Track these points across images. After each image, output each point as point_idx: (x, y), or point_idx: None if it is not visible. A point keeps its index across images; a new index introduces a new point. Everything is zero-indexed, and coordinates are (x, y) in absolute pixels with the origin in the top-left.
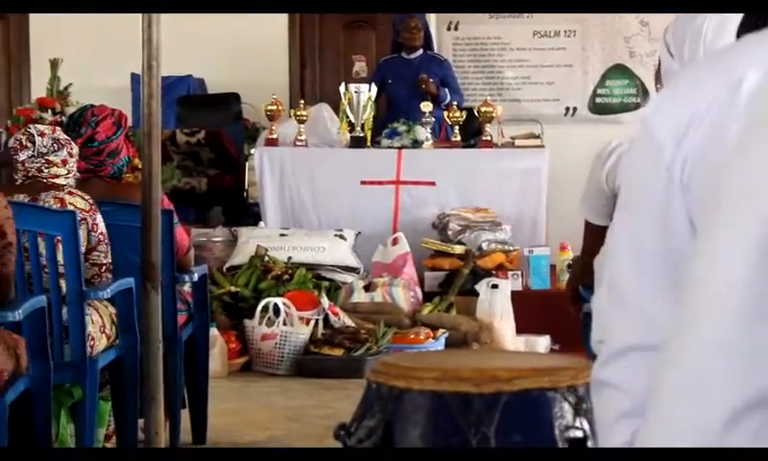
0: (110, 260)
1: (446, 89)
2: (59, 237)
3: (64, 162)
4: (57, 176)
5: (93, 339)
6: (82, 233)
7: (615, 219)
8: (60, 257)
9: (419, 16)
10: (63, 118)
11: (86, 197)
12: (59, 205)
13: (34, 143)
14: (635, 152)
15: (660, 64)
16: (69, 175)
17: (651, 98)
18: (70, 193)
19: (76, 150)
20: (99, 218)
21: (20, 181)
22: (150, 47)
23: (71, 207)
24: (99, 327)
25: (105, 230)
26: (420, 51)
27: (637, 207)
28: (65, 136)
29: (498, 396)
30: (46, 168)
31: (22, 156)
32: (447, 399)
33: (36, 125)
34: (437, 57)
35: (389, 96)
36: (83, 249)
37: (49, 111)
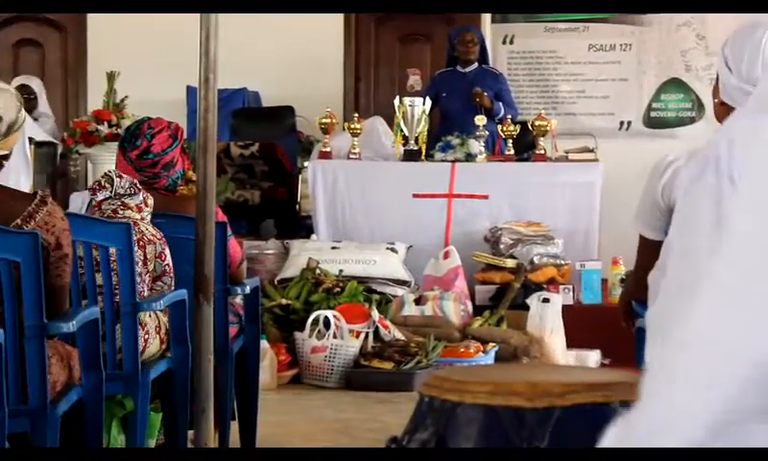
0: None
1: (500, 103)
2: (114, 249)
3: (139, 209)
4: (131, 218)
5: (148, 334)
6: (149, 255)
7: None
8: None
9: (474, 30)
10: (119, 131)
11: (157, 231)
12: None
13: (112, 184)
14: None
15: (717, 79)
16: (144, 221)
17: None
18: (143, 220)
19: (151, 201)
20: (168, 251)
21: None
22: (207, 60)
23: (141, 231)
24: (155, 326)
25: (171, 264)
26: (475, 64)
27: None
28: (142, 190)
29: (551, 410)
30: (122, 210)
31: (100, 196)
32: (500, 412)
33: (117, 170)
34: (491, 70)
35: (442, 109)
36: (149, 273)
37: (105, 124)
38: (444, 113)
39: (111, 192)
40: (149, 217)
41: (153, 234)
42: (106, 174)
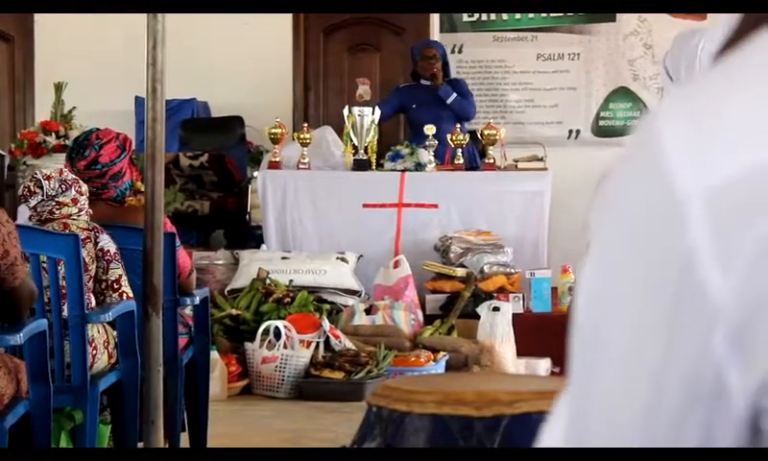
0: (115, 278)
1: (455, 94)
2: (61, 260)
3: (74, 201)
4: (69, 215)
5: (96, 349)
6: (87, 258)
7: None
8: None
9: (436, 45)
10: (67, 142)
11: (88, 222)
12: (62, 227)
13: (42, 187)
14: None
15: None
16: (81, 212)
17: (668, 125)
18: (80, 211)
19: (85, 188)
20: (102, 237)
21: (34, 223)
22: (154, 70)
23: (75, 228)
24: (103, 340)
25: (108, 248)
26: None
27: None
28: (72, 176)
29: (499, 419)
30: (57, 209)
31: (33, 201)
32: (448, 421)
33: (42, 169)
34: (452, 79)
35: (413, 122)
36: (92, 268)
37: (53, 135)
38: (415, 125)
39: (43, 195)
40: (86, 204)
41: (84, 228)
42: (33, 177)
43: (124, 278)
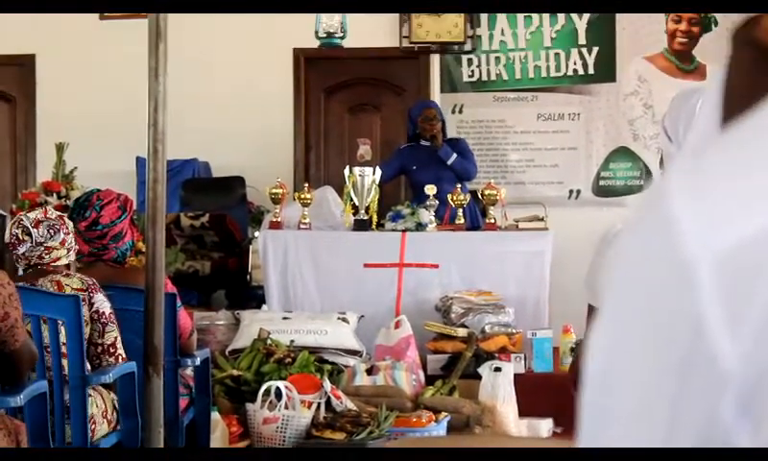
0: (111, 342)
1: (455, 154)
2: (61, 321)
3: (63, 243)
4: (59, 258)
5: (95, 423)
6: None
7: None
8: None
9: (435, 106)
10: (68, 202)
11: (84, 277)
12: (56, 288)
13: (30, 235)
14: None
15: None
16: (70, 252)
17: (677, 192)
18: (67, 275)
19: (70, 225)
20: (97, 297)
21: (22, 269)
22: (155, 131)
23: (69, 290)
24: (101, 412)
25: (103, 310)
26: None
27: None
28: (57, 214)
29: None
30: (47, 254)
31: (21, 249)
32: None
33: (28, 214)
34: (452, 138)
35: (414, 182)
36: (87, 330)
37: (54, 195)
38: (415, 186)
39: (32, 242)
40: (73, 242)
41: (78, 288)
42: (20, 224)
43: (119, 340)
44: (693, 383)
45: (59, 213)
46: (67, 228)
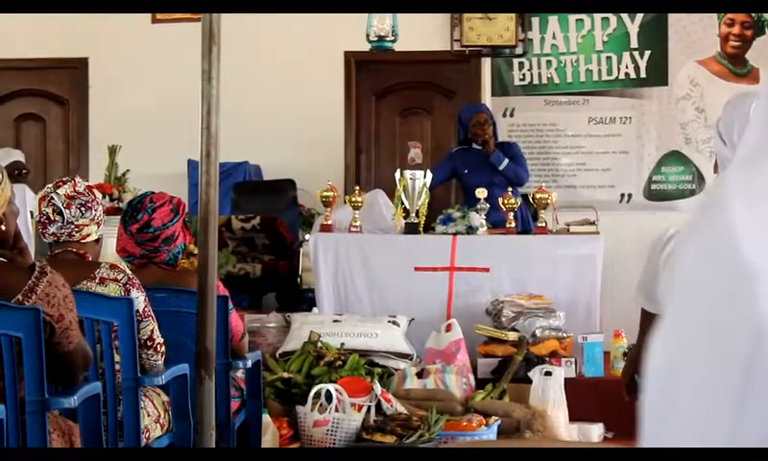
0: (147, 336)
1: (507, 160)
2: (115, 324)
3: (93, 219)
4: (88, 234)
5: (148, 431)
6: None
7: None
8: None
9: (485, 110)
10: (120, 204)
11: (122, 272)
12: (98, 282)
13: (62, 214)
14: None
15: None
16: (100, 227)
17: (736, 199)
18: (113, 267)
19: (99, 196)
20: (133, 293)
21: (50, 244)
22: (209, 135)
23: (111, 291)
24: (154, 418)
25: (137, 306)
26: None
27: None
28: (86, 184)
29: None
30: (77, 231)
31: (52, 228)
32: None
33: (58, 191)
34: (504, 141)
35: (465, 186)
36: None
37: (106, 198)
38: (467, 189)
39: (63, 222)
40: (102, 217)
41: (115, 279)
42: (50, 201)
43: (156, 331)
44: (755, 391)
45: (87, 184)
46: (97, 201)
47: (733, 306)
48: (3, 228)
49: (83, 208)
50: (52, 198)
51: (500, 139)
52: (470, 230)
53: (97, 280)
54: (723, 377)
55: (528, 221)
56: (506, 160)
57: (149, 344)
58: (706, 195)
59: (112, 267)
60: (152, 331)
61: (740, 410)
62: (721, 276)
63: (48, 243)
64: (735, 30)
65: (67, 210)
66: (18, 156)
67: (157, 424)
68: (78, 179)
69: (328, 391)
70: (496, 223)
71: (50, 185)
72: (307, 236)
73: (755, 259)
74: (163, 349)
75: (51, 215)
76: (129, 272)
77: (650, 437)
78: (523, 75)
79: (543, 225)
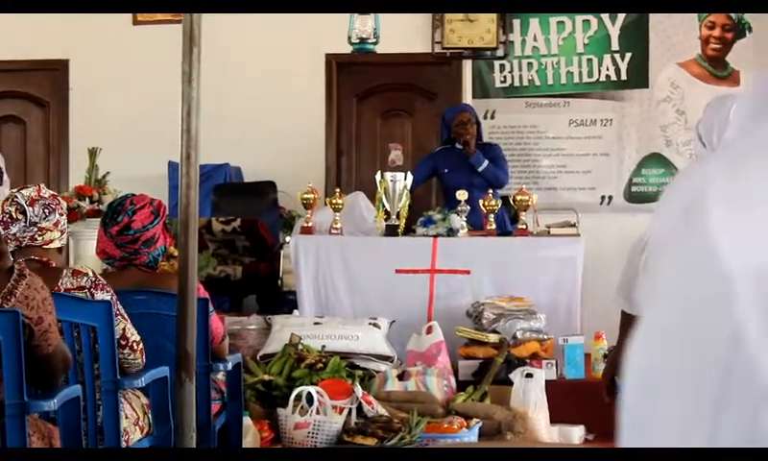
0: (119, 335)
1: (487, 161)
2: (93, 327)
3: (57, 224)
4: (51, 240)
5: (128, 433)
6: None
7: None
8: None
9: (470, 110)
10: (101, 207)
11: (83, 281)
12: (73, 284)
13: (25, 213)
14: (686, 274)
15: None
16: (63, 235)
17: (715, 205)
18: (62, 233)
19: (64, 205)
20: (98, 294)
21: (12, 249)
22: (188, 137)
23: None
24: (133, 420)
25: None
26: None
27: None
28: (51, 192)
29: None
30: (39, 236)
31: (14, 228)
32: None
33: (23, 191)
34: (486, 143)
35: (446, 186)
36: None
37: (86, 200)
38: (448, 190)
39: (25, 221)
40: (66, 224)
41: (80, 287)
42: (13, 200)
43: (128, 328)
44: (733, 396)
45: (52, 192)
46: (62, 208)
47: (711, 310)
48: None
49: (46, 210)
50: (15, 197)
51: (484, 140)
52: (451, 232)
53: (62, 292)
54: (701, 380)
55: (506, 223)
56: (486, 162)
57: (122, 343)
58: (679, 189)
59: (74, 273)
60: (123, 330)
61: (718, 412)
62: (700, 280)
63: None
64: (716, 32)
65: (30, 208)
66: None
67: (137, 427)
68: (43, 185)
69: (309, 393)
70: (475, 224)
71: (14, 189)
72: (288, 238)
73: (732, 264)
74: (141, 346)
75: (13, 214)
76: (92, 273)
77: (629, 439)
78: (504, 77)
79: (524, 227)
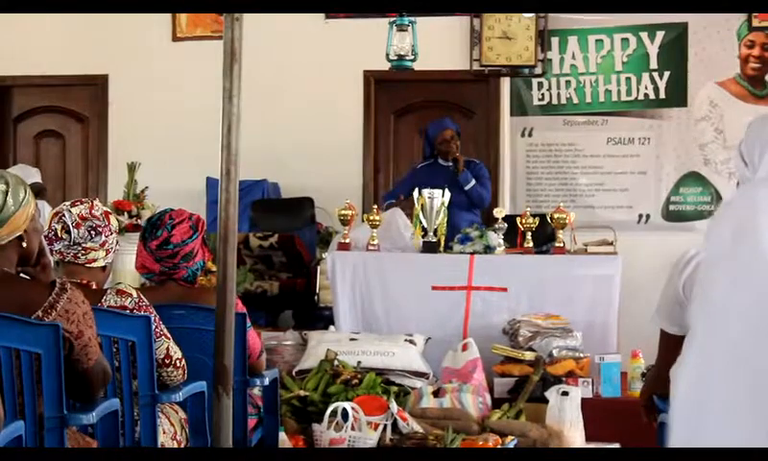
0: (163, 355)
1: (474, 181)
2: (132, 341)
3: (103, 245)
4: (95, 259)
5: (165, 447)
6: None
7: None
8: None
9: (451, 125)
10: (139, 221)
11: (127, 301)
12: (115, 302)
13: (69, 233)
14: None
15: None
16: (109, 255)
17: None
18: (107, 253)
19: (115, 224)
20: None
21: (55, 260)
22: (228, 153)
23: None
24: (171, 435)
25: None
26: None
27: None
28: (104, 210)
29: None
30: (83, 255)
31: (57, 245)
32: None
33: (72, 209)
34: (471, 160)
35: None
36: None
37: (125, 214)
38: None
39: (70, 241)
40: (115, 243)
41: (126, 306)
42: (60, 218)
43: (171, 347)
44: None
45: (106, 209)
46: (110, 228)
47: (761, 333)
48: (25, 244)
49: (92, 232)
50: (63, 215)
51: (465, 157)
52: (488, 249)
53: (103, 308)
54: (749, 395)
55: (483, 199)
56: (473, 181)
57: (167, 362)
58: (730, 213)
59: (119, 293)
60: (167, 349)
61: (761, 422)
62: (752, 301)
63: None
64: (755, 51)
65: (75, 230)
66: (35, 174)
67: (174, 441)
68: (97, 202)
69: (345, 409)
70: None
71: (67, 203)
72: (325, 254)
73: None
74: (183, 363)
75: (59, 232)
76: (135, 294)
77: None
78: (542, 95)
79: (561, 245)
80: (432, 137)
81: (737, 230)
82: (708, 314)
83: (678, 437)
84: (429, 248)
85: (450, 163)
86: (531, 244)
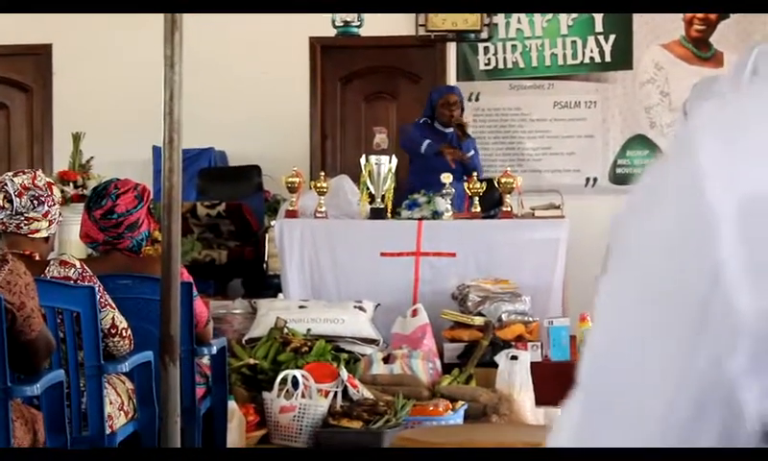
0: (109, 325)
1: (473, 150)
2: (77, 312)
3: (46, 215)
4: (38, 230)
5: (112, 418)
6: None
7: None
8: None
9: (457, 92)
10: (85, 191)
11: (70, 272)
12: (59, 272)
13: (11, 202)
14: (667, 214)
15: None
16: (52, 225)
17: (704, 140)
18: (51, 223)
19: (58, 195)
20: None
21: None
22: (171, 121)
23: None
24: (117, 406)
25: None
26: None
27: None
28: (47, 181)
29: None
30: (26, 225)
31: (0, 215)
32: None
33: (14, 179)
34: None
35: (423, 164)
36: None
37: (71, 185)
38: (425, 170)
39: (12, 210)
40: (58, 215)
41: (67, 277)
42: (2, 187)
43: (117, 317)
44: (708, 332)
45: (49, 180)
46: (53, 199)
47: (692, 247)
48: None
49: (35, 201)
50: (5, 185)
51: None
52: (436, 214)
53: (46, 278)
54: (674, 318)
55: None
56: (473, 150)
57: (113, 332)
58: (677, 134)
59: (62, 264)
60: (113, 319)
61: (688, 353)
62: (682, 214)
63: None
64: (700, 13)
65: (18, 199)
66: None
67: (121, 412)
68: (40, 172)
69: (295, 377)
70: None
71: (9, 173)
72: (273, 222)
73: (717, 198)
74: (129, 333)
75: (1, 202)
76: (79, 265)
77: (591, 377)
78: (488, 60)
79: (509, 209)
80: (435, 100)
81: (674, 148)
82: (629, 227)
83: (595, 364)
84: (377, 214)
85: (449, 130)
86: (479, 209)
